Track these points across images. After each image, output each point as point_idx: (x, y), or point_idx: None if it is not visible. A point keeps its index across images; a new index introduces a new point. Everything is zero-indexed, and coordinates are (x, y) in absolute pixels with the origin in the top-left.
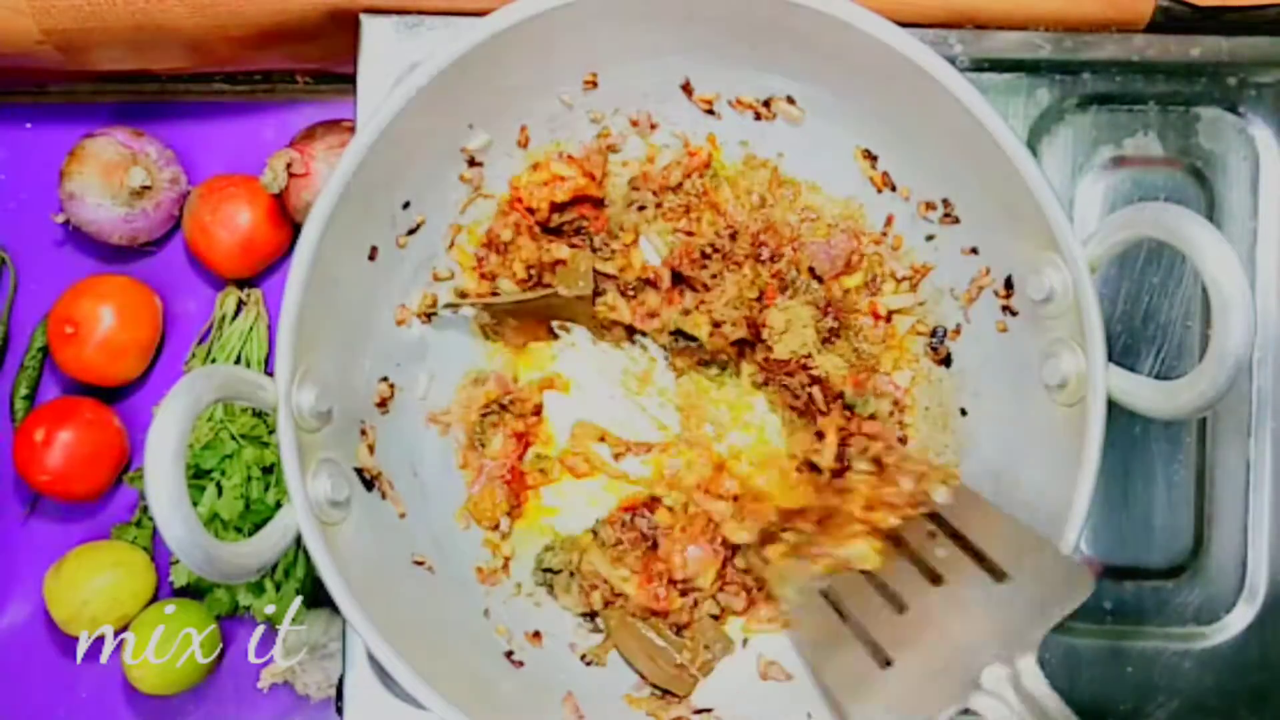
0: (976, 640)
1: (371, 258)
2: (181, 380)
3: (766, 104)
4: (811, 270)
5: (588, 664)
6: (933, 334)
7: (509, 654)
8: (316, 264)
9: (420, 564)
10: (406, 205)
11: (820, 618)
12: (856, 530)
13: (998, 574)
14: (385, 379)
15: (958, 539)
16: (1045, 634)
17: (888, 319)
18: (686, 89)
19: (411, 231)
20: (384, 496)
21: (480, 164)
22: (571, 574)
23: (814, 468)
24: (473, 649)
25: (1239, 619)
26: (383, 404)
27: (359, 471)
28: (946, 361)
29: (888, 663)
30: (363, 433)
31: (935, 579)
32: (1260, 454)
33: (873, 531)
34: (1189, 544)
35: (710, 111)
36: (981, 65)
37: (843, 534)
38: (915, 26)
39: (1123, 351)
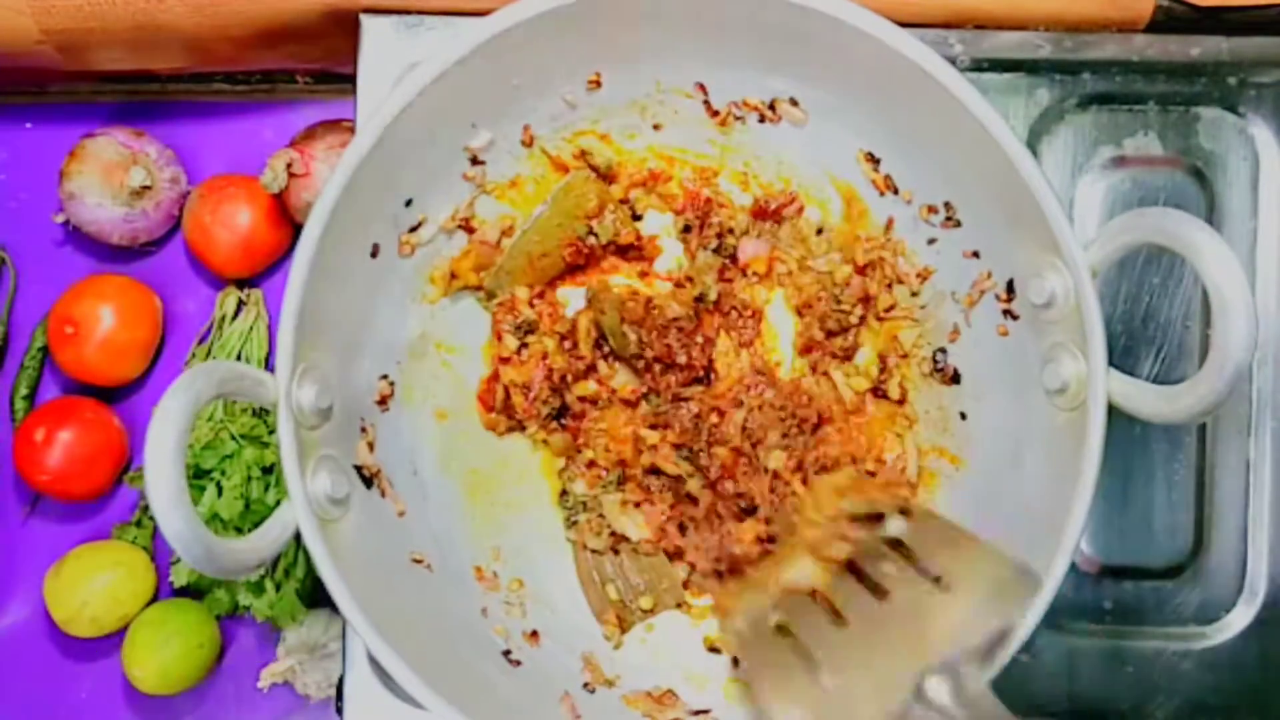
0: (919, 650)
1: (373, 255)
2: (182, 375)
3: (771, 106)
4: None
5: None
6: (934, 359)
7: (507, 653)
8: (318, 261)
9: (419, 562)
10: (409, 203)
11: (763, 640)
12: (801, 552)
13: (942, 584)
14: (385, 376)
15: (905, 555)
16: (989, 640)
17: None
18: (701, 89)
19: (414, 229)
20: (383, 494)
21: (483, 162)
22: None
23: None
24: (471, 648)
25: (1239, 619)
26: (383, 402)
27: (358, 469)
28: (955, 379)
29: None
30: (363, 430)
31: (880, 593)
32: (1260, 454)
33: (821, 558)
34: (1189, 544)
35: (715, 113)
36: (981, 65)
37: (788, 557)
38: (915, 26)
39: (1123, 352)
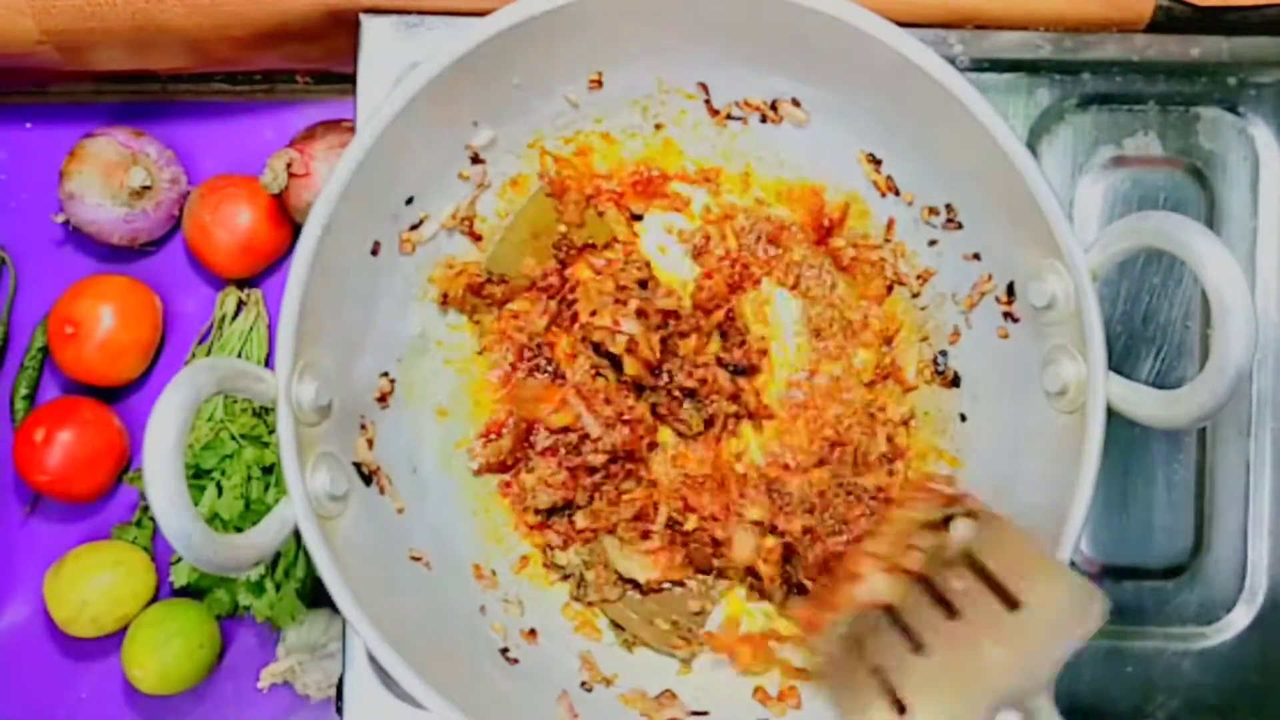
0: (991, 677)
1: (374, 253)
2: (182, 371)
3: (773, 106)
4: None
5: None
6: (934, 361)
7: (504, 651)
8: (318, 258)
9: (417, 560)
10: (409, 201)
11: (840, 662)
12: (870, 566)
13: (1012, 602)
14: (386, 374)
15: (973, 567)
16: (1060, 665)
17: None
18: (703, 88)
19: (415, 227)
20: (382, 492)
21: (484, 161)
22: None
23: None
24: (469, 646)
25: (1239, 619)
26: (383, 399)
27: (358, 466)
28: (955, 381)
29: (902, 709)
30: (362, 427)
31: (950, 611)
32: (1260, 454)
33: (891, 568)
34: (1189, 544)
35: (716, 112)
36: (981, 65)
37: (855, 572)
38: (915, 26)
39: (1123, 352)
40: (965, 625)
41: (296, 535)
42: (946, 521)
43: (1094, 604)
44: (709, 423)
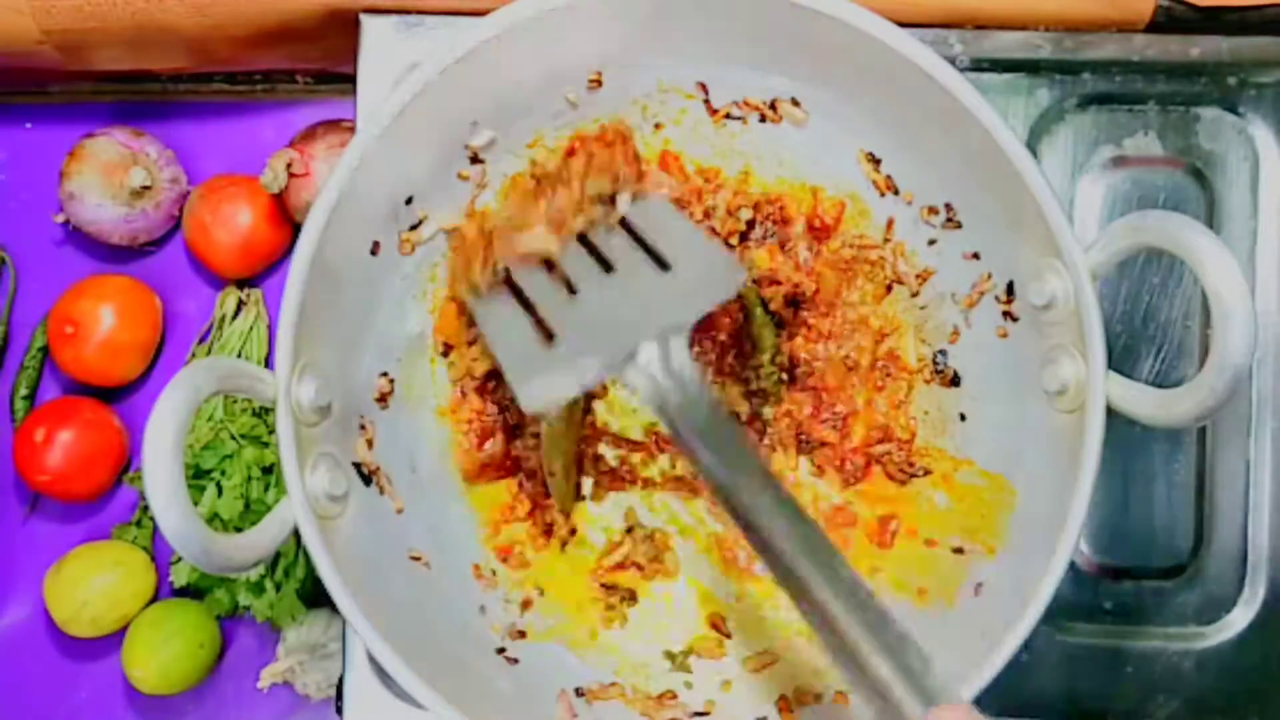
0: (636, 320)
1: (374, 253)
2: (182, 370)
3: (772, 106)
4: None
5: None
6: (934, 360)
7: (503, 651)
8: (318, 258)
9: (417, 560)
10: (409, 201)
11: (500, 306)
12: (537, 220)
13: (663, 264)
14: (385, 374)
15: (632, 233)
16: (697, 318)
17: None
18: (702, 88)
19: (414, 227)
20: (382, 492)
21: (484, 161)
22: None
23: None
24: (469, 646)
25: (1239, 619)
26: (382, 399)
27: (357, 466)
28: (955, 381)
29: (550, 337)
30: (362, 427)
31: (607, 267)
32: (1260, 454)
33: (558, 226)
34: (1189, 544)
35: (715, 112)
36: (981, 65)
37: (525, 224)
38: (915, 26)
39: (1122, 351)
40: (618, 277)
41: (296, 535)
42: (614, 198)
43: (736, 273)
44: None
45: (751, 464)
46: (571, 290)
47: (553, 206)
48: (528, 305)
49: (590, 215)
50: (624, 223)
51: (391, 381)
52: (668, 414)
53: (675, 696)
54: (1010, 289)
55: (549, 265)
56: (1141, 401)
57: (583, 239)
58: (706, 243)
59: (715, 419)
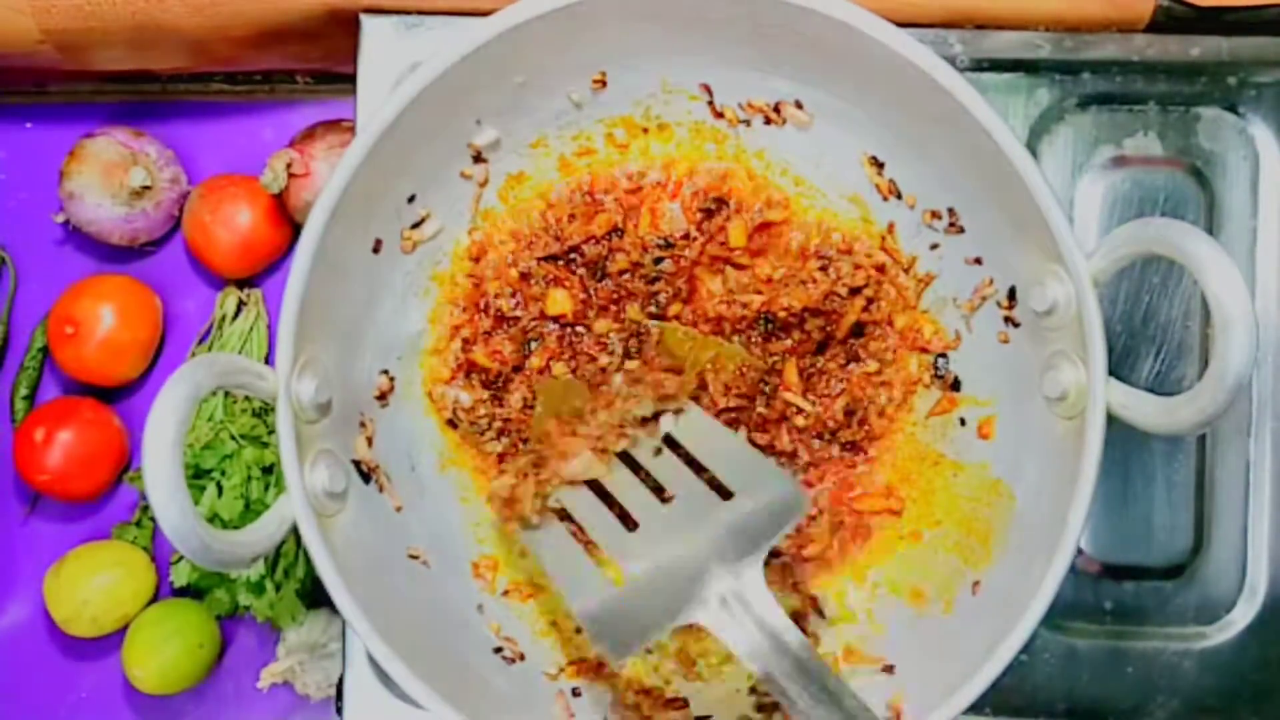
0: (703, 556)
1: (375, 250)
2: (182, 367)
3: (776, 108)
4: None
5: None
6: (935, 365)
7: (500, 650)
8: (320, 255)
9: (416, 558)
10: (412, 199)
11: (557, 539)
12: (579, 446)
13: (724, 492)
14: (385, 372)
15: (684, 457)
16: (769, 548)
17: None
18: (706, 90)
19: (417, 225)
20: (381, 490)
21: (486, 160)
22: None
23: None
24: (467, 645)
25: (1239, 619)
26: (382, 397)
27: (356, 464)
28: (955, 386)
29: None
30: (362, 425)
31: (664, 497)
32: (1260, 454)
33: (598, 449)
34: (1189, 544)
35: (720, 115)
36: (981, 65)
37: (565, 451)
38: (915, 26)
39: (1123, 352)
40: (677, 508)
41: (296, 535)
42: (657, 417)
43: (799, 497)
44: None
45: (843, 700)
46: (626, 520)
47: (591, 427)
48: (580, 529)
49: (633, 436)
50: (668, 439)
51: (392, 379)
52: (760, 660)
53: (676, 696)
54: (1012, 294)
55: (600, 493)
56: (1142, 409)
57: (624, 456)
58: (757, 459)
59: (805, 658)
